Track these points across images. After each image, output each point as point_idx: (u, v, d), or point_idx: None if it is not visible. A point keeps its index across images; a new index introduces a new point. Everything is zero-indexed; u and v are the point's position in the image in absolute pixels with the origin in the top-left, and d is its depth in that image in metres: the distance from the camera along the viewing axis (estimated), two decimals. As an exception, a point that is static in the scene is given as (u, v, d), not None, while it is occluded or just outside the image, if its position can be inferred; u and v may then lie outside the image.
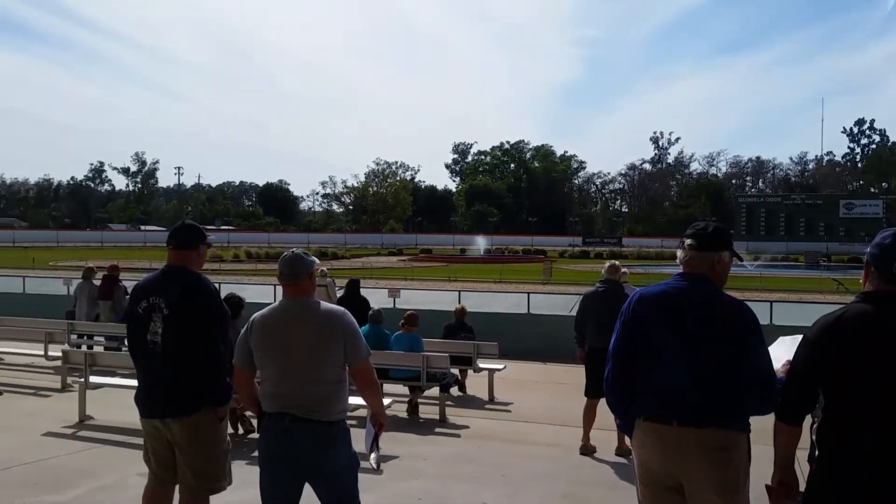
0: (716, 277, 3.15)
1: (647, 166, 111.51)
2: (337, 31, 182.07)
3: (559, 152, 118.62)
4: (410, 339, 9.36)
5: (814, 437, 2.90)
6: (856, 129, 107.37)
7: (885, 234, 2.75)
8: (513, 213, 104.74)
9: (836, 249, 56.67)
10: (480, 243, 67.92)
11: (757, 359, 2.98)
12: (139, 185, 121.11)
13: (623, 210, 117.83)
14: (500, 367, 10.27)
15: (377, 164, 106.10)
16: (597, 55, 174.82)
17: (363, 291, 12.40)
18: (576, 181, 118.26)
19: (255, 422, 7.41)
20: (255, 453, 6.60)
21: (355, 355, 3.53)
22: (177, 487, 4.09)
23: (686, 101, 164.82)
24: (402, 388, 9.22)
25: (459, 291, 17.19)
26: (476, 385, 10.35)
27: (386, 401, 6.20)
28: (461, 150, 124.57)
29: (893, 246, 2.69)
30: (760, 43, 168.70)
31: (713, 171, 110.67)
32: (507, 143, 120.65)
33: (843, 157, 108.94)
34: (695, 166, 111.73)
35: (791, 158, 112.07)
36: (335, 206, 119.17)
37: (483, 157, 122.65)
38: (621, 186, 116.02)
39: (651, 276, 25.11)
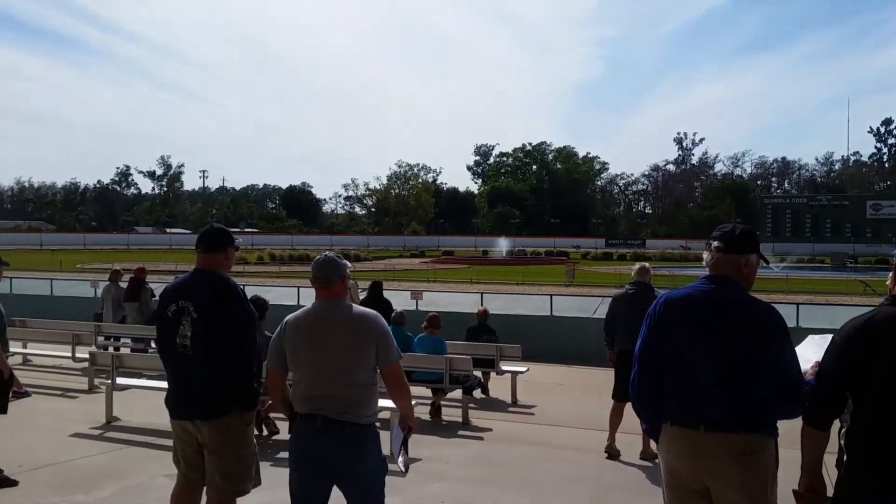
0: (743, 280, 3.12)
1: (671, 167, 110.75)
2: (359, 34, 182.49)
3: (581, 153, 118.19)
4: (433, 342, 9.37)
5: (842, 442, 2.87)
6: (882, 129, 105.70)
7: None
8: (535, 214, 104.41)
9: (862, 251, 55.98)
10: (502, 245, 67.74)
11: (785, 363, 2.95)
12: (164, 189, 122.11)
13: (646, 211, 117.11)
14: (523, 369, 10.25)
15: (399, 166, 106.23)
16: (618, 55, 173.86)
17: (386, 293, 12.42)
18: (598, 182, 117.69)
19: (279, 424, 7.51)
20: (280, 455, 6.68)
21: (387, 358, 3.56)
22: (204, 489, 4.13)
23: (710, 101, 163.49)
24: (424, 391, 9.22)
25: (482, 293, 17.18)
26: (499, 388, 10.33)
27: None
28: (483, 152, 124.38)
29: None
30: (785, 42, 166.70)
31: (738, 171, 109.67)
32: (530, 144, 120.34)
33: (870, 157, 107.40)
34: (719, 167, 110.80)
35: (817, 159, 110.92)
36: (357, 209, 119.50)
37: (505, 158, 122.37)
38: (644, 188, 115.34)
39: (676, 279, 24.95)
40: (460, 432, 8.16)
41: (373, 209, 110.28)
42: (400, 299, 14.60)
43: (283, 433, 7.47)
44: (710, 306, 3.04)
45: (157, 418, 7.17)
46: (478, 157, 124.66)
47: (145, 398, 8.47)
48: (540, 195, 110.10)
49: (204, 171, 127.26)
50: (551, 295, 15.94)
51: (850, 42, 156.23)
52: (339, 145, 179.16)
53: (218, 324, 3.92)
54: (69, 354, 11.09)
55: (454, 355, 9.10)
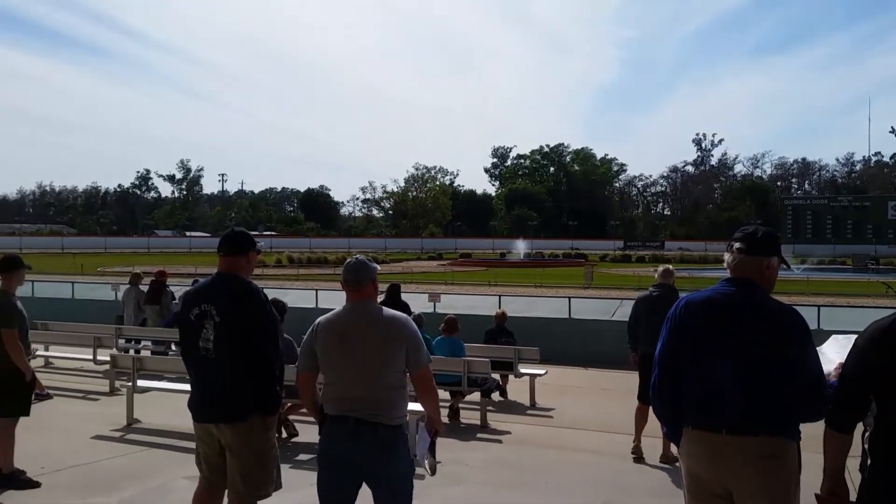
0: (764, 282, 3.08)
1: (690, 168, 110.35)
2: (376, 38, 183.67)
3: (599, 155, 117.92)
4: (451, 344, 9.37)
5: (865, 446, 2.84)
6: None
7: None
8: (553, 216, 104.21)
9: (884, 252, 55.48)
10: (520, 247, 67.71)
11: (807, 365, 2.91)
12: (184, 192, 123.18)
13: (665, 213, 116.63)
14: (542, 372, 10.22)
15: (416, 168, 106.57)
16: (636, 56, 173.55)
17: (403, 296, 12.42)
18: (616, 184, 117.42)
19: (298, 426, 7.53)
20: (300, 458, 6.71)
21: (417, 361, 3.57)
22: (225, 492, 4.14)
23: (729, 102, 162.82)
24: (443, 393, 9.20)
25: (500, 296, 17.18)
26: (517, 390, 10.31)
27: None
28: (500, 154, 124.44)
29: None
30: (805, 42, 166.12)
31: (758, 173, 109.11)
32: (547, 146, 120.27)
33: (891, 157, 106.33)
34: (739, 168, 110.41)
35: (837, 159, 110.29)
36: (375, 211, 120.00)
37: (522, 160, 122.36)
38: (663, 189, 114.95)
39: (696, 281, 24.80)
40: (479, 435, 8.15)
41: (390, 212, 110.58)
42: (418, 302, 14.59)
43: (303, 436, 7.51)
44: (731, 309, 3.01)
45: (177, 421, 7.23)
46: (495, 160, 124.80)
47: (166, 400, 8.52)
48: (557, 197, 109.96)
49: (223, 175, 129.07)
50: (569, 297, 15.94)
51: (870, 42, 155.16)
52: (357, 148, 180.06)
53: (240, 327, 3.93)
54: (90, 357, 11.20)
55: (472, 358, 9.09)
